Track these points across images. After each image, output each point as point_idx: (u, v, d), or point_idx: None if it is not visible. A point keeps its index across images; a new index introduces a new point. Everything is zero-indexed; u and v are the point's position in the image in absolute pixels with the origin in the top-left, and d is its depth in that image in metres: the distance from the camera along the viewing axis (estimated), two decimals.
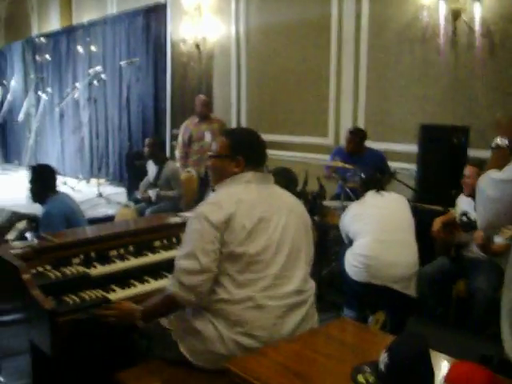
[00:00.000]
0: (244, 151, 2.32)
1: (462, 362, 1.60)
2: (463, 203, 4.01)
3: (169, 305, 2.22)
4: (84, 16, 10.57)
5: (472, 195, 3.87)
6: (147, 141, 6.02)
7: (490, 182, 1.87)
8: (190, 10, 7.72)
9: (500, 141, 2.06)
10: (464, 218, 3.78)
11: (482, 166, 3.82)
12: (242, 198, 2.19)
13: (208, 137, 6.57)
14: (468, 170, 3.92)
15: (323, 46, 6.34)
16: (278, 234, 2.21)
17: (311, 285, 2.35)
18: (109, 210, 6.86)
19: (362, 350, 1.97)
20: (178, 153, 6.88)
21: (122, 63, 8.60)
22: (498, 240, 3.61)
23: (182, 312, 2.26)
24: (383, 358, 1.69)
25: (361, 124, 5.92)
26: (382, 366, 1.69)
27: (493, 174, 1.88)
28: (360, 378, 1.72)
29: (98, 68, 8.72)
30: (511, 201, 1.78)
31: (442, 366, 1.74)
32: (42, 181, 4.05)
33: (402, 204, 4.06)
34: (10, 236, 4.41)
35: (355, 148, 5.39)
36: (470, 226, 3.75)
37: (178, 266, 2.16)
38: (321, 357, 1.94)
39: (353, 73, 6.09)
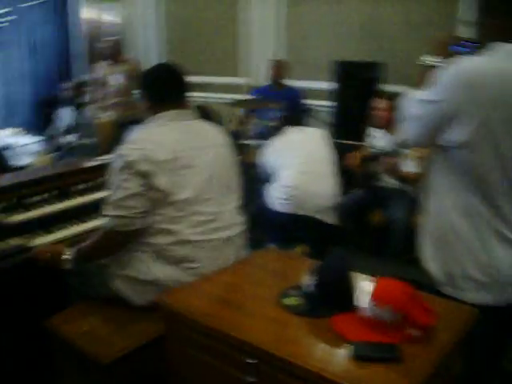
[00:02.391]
0: (146, 86, 2.32)
1: (386, 278, 1.71)
2: (376, 137, 4.18)
3: (108, 241, 2.20)
4: None
5: (386, 127, 4.04)
6: (71, 84, 5.74)
7: (413, 100, 1.95)
8: None
9: (432, 59, 2.10)
10: (373, 149, 3.93)
11: (391, 98, 3.98)
12: (159, 140, 2.16)
13: (121, 79, 6.33)
14: (380, 103, 4.06)
15: None
16: (200, 172, 2.20)
17: (243, 218, 2.41)
18: (26, 160, 6.58)
19: (287, 276, 2.05)
20: (91, 96, 6.59)
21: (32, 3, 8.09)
22: (406, 168, 3.81)
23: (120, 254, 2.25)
24: (307, 280, 1.79)
25: None
26: (307, 288, 1.79)
27: (418, 95, 1.94)
28: (287, 300, 1.81)
29: (5, 10, 8.18)
30: (431, 120, 1.85)
31: (361, 284, 1.86)
32: None
33: (322, 138, 4.17)
34: None
35: (280, 77, 5.46)
36: (378, 155, 3.92)
37: (111, 199, 2.14)
38: (249, 284, 2.03)
39: (273, 11, 6.06)
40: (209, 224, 2.21)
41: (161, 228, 2.14)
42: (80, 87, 5.81)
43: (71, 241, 2.54)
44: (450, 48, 2.08)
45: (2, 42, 8.39)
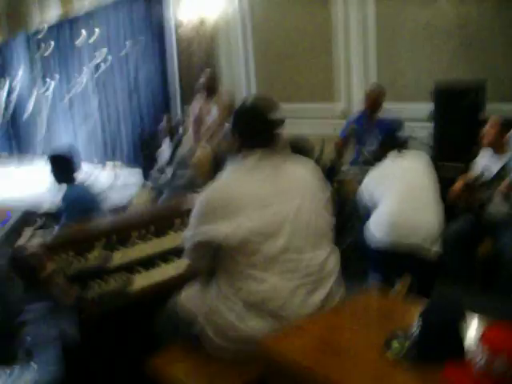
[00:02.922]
0: (239, 127, 2.25)
1: (497, 321, 1.55)
2: (483, 159, 3.94)
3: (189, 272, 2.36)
4: (84, 4, 10.45)
5: (491, 146, 3.81)
6: (167, 117, 5.93)
7: None
8: None
9: None
10: (483, 178, 3.70)
11: (503, 119, 3.77)
12: (248, 188, 2.12)
13: (215, 111, 6.49)
14: (491, 120, 3.84)
15: (329, 9, 6.20)
16: (293, 219, 2.12)
17: (335, 261, 2.28)
18: (125, 194, 6.83)
19: (393, 318, 1.93)
20: (190, 129, 6.82)
21: (127, 44, 8.51)
22: None
23: (205, 294, 2.23)
24: (417, 324, 1.66)
25: None
26: (416, 331, 1.66)
27: None
28: (394, 343, 1.69)
29: (104, 50, 8.65)
30: None
31: (478, 327, 1.70)
32: (60, 169, 4.06)
33: (424, 162, 3.99)
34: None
35: (375, 104, 5.30)
36: (491, 182, 3.68)
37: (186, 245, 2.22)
38: (353, 327, 1.92)
39: (361, 34, 5.97)
40: (301, 271, 2.12)
41: (251, 275, 2.07)
42: (176, 124, 5.96)
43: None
44: None
45: (104, 80, 8.85)
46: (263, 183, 2.13)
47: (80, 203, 3.89)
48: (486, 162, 3.86)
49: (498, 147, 3.80)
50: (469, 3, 4.99)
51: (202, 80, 6.57)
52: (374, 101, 5.28)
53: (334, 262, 2.27)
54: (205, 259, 2.19)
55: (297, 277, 2.11)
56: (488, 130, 3.83)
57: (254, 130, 2.21)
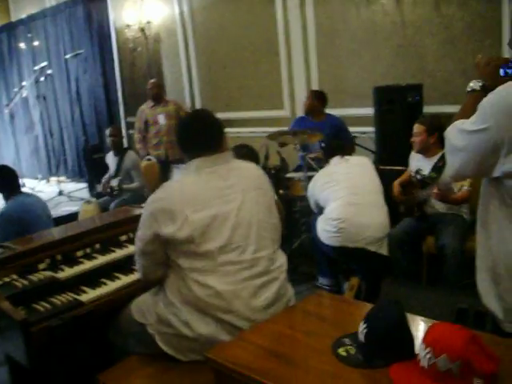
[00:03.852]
0: (179, 137, 2.34)
1: (439, 323, 1.60)
2: (414, 160, 4.06)
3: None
4: (22, 11, 10.21)
5: (421, 152, 3.93)
6: (110, 130, 5.86)
7: (456, 131, 1.82)
8: None
9: (474, 84, 1.98)
10: (418, 176, 3.81)
11: (427, 122, 3.88)
12: (190, 191, 2.19)
13: (162, 119, 6.47)
14: (415, 128, 3.95)
15: (270, 17, 6.27)
16: (231, 219, 2.16)
17: (281, 262, 2.32)
18: (72, 208, 6.73)
19: (340, 323, 1.97)
20: (136, 138, 6.78)
21: (68, 56, 8.38)
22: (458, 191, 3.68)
23: (153, 304, 2.24)
24: (362, 329, 1.70)
25: None
26: (361, 337, 1.70)
27: (459, 124, 1.82)
28: (341, 351, 1.72)
29: (44, 64, 8.48)
30: (476, 151, 1.73)
31: (420, 329, 1.75)
32: (2, 181, 3.96)
33: (368, 167, 4.09)
34: None
35: (314, 108, 5.37)
36: (425, 182, 3.79)
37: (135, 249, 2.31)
38: (300, 334, 1.93)
39: (301, 42, 6.05)
40: (242, 273, 2.14)
41: (194, 279, 2.11)
42: (120, 132, 5.89)
43: (113, 296, 2.54)
44: (497, 70, 1.93)
45: (45, 93, 8.66)
46: (205, 185, 2.19)
47: (14, 214, 3.81)
48: (418, 164, 3.97)
49: (426, 152, 3.93)
50: (406, 5, 5.12)
51: (149, 88, 6.58)
52: (309, 108, 5.37)
53: (279, 264, 2.30)
54: (155, 261, 2.22)
55: (239, 279, 2.13)
56: (414, 139, 3.94)
57: (195, 134, 2.30)
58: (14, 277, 2.55)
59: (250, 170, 2.40)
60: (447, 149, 1.88)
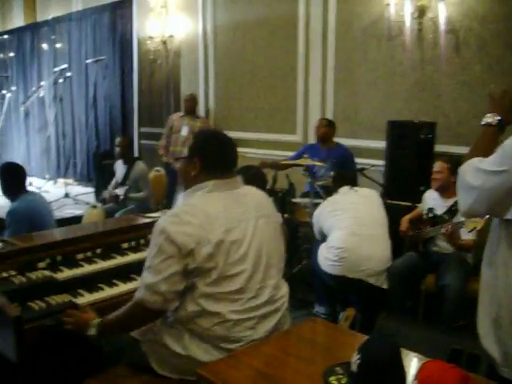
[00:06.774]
0: (200, 152, 2.18)
1: (432, 361, 1.59)
2: (430, 199, 4.05)
3: (136, 313, 2.09)
4: (48, 13, 10.36)
5: (440, 190, 3.92)
6: (119, 140, 5.89)
7: (472, 169, 1.78)
8: (157, 7, 7.64)
9: (491, 118, 1.90)
10: (430, 214, 3.81)
11: (451, 161, 3.86)
12: (205, 212, 2.05)
13: (185, 131, 6.60)
14: (438, 166, 3.93)
15: (291, 44, 6.35)
16: (245, 246, 2.09)
17: (284, 291, 2.27)
18: (76, 211, 6.74)
19: (333, 351, 1.95)
20: (160, 143, 6.97)
21: (89, 61, 8.48)
22: (465, 236, 3.64)
23: (152, 324, 2.17)
24: (355, 360, 1.68)
25: None
26: (353, 368, 1.68)
27: (477, 162, 1.78)
28: (332, 379, 1.71)
29: (64, 66, 8.58)
30: (491, 192, 1.71)
31: (413, 365, 1.74)
32: (11, 179, 3.97)
33: (376, 199, 4.09)
34: None
35: (326, 135, 5.41)
36: (436, 221, 3.79)
37: (143, 277, 2.06)
38: (292, 358, 1.92)
39: (320, 70, 6.10)
40: (248, 302, 2.09)
41: (201, 310, 2.03)
42: (128, 143, 5.93)
43: (109, 302, 2.53)
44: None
45: (62, 95, 8.75)
46: (224, 210, 2.10)
47: (25, 213, 3.82)
48: (432, 202, 3.96)
49: (445, 191, 3.91)
50: (427, 44, 5.17)
51: (185, 99, 6.92)
52: (323, 135, 5.40)
53: (282, 293, 2.26)
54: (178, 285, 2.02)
55: (245, 308, 2.08)
56: (435, 176, 3.93)
57: (218, 151, 2.20)
58: (13, 273, 2.55)
59: (259, 197, 2.35)
60: (460, 185, 1.84)
